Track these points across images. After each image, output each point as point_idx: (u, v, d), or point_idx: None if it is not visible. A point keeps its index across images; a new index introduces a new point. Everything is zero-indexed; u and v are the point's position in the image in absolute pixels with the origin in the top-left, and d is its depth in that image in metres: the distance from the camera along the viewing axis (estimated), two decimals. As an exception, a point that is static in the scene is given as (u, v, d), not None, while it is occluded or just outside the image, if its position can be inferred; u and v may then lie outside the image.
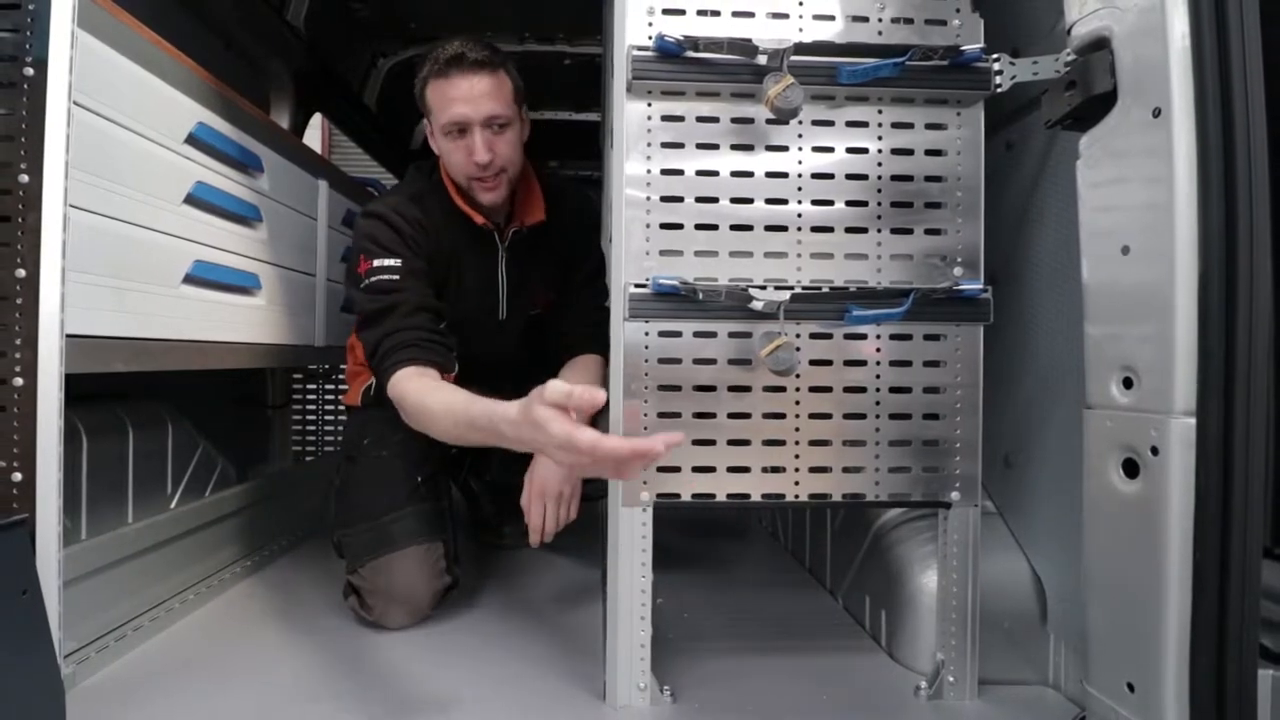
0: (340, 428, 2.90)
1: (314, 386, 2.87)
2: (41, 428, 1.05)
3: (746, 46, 1.07)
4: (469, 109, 1.44)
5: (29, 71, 1.04)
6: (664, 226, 1.12)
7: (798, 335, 1.12)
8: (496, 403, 1.00)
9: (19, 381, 1.04)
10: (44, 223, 1.05)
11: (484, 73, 1.44)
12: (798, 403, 1.13)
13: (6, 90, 1.04)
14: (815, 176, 1.14)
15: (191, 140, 1.42)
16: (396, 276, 1.45)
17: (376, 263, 1.46)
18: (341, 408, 2.75)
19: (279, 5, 2.20)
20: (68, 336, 1.07)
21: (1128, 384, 0.90)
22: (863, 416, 1.14)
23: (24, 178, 1.04)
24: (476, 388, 1.75)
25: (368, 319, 1.45)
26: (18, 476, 1.04)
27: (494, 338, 1.70)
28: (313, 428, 2.89)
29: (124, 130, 1.23)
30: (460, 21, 2.55)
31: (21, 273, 1.04)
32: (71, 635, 1.15)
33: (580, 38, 2.61)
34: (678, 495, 1.12)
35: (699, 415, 1.12)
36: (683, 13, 1.11)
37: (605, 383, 1.42)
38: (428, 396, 1.27)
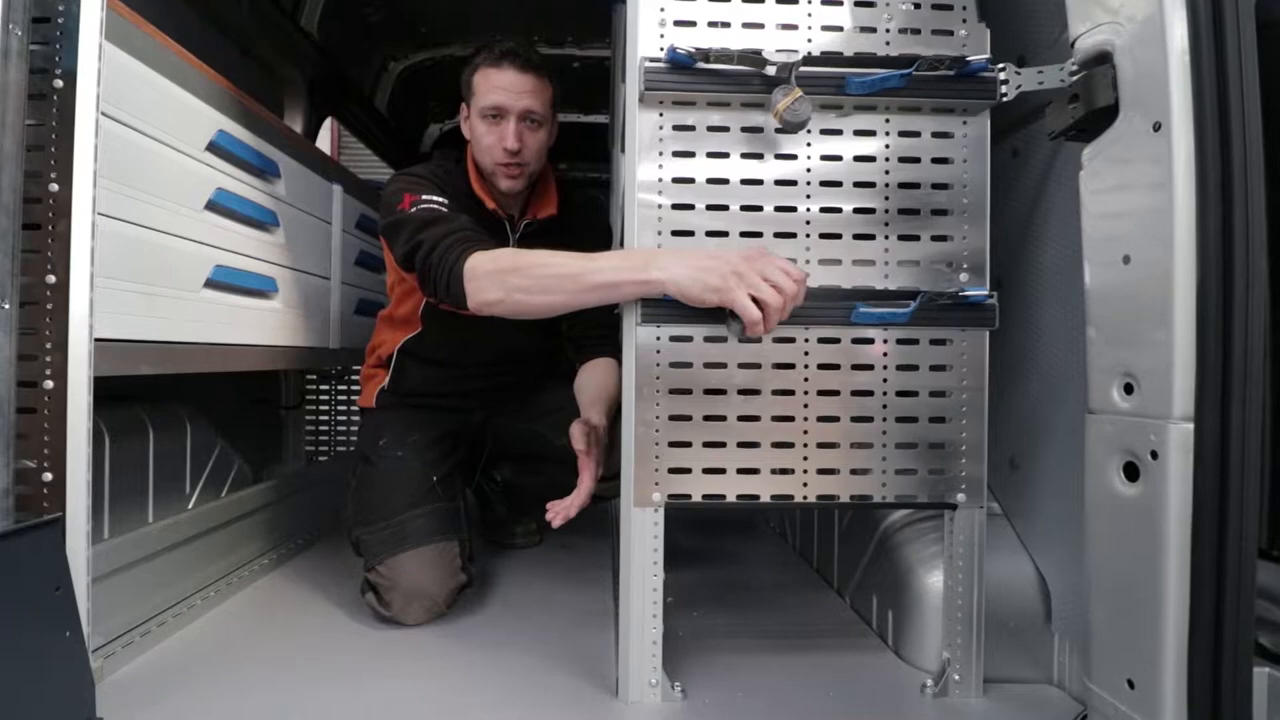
0: (353, 429, 2.94)
1: (326, 388, 2.91)
2: (71, 429, 1.07)
3: (756, 58, 1.09)
4: (510, 99, 1.57)
5: (58, 83, 1.07)
6: (675, 233, 1.14)
7: (806, 340, 1.15)
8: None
9: (49, 385, 1.07)
10: (73, 230, 1.07)
11: (532, 73, 1.59)
12: (806, 405, 1.15)
13: (37, 102, 1.07)
14: (824, 184, 1.16)
15: (212, 148, 1.45)
16: (445, 210, 1.48)
17: (424, 196, 1.48)
18: (354, 409, 2.79)
19: (292, 11, 2.23)
20: (96, 340, 1.10)
21: (1128, 389, 0.92)
22: (870, 419, 1.16)
23: (54, 186, 1.07)
24: (477, 373, 1.79)
25: (426, 223, 1.43)
26: (48, 477, 1.07)
27: (495, 322, 1.74)
28: (325, 428, 2.93)
29: (149, 139, 1.26)
30: (470, 24, 2.58)
31: (52, 279, 1.07)
32: (98, 631, 1.18)
33: (589, 41, 2.63)
34: (688, 496, 1.14)
35: (709, 418, 1.14)
36: (694, 24, 1.13)
37: (619, 384, 1.45)
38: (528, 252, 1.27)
